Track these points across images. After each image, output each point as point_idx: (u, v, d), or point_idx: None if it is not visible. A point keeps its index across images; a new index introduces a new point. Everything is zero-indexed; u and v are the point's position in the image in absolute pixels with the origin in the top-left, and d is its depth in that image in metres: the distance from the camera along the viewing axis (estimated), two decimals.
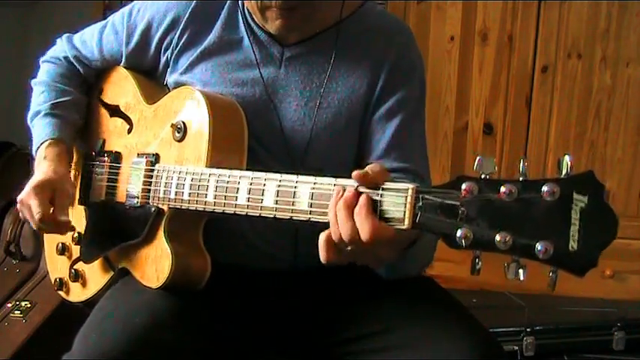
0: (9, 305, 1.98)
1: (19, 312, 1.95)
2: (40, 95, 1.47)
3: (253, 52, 1.34)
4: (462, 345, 1.17)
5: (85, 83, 1.53)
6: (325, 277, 1.26)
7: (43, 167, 1.37)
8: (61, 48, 1.54)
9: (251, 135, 1.28)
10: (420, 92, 1.38)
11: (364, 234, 0.98)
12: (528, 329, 2.23)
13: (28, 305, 1.98)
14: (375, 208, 0.99)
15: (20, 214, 1.37)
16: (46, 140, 1.41)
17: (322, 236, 1.02)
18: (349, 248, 1.01)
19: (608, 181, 2.62)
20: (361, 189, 1.01)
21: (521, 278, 0.93)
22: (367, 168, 1.02)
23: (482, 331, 1.23)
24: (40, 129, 1.43)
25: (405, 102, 1.34)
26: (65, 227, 1.35)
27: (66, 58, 1.52)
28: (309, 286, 1.31)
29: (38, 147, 1.41)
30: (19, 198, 1.35)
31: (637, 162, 2.64)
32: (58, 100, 1.46)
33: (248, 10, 1.35)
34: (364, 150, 1.35)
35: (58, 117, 1.44)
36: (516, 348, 2.22)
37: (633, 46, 2.58)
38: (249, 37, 1.35)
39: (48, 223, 1.32)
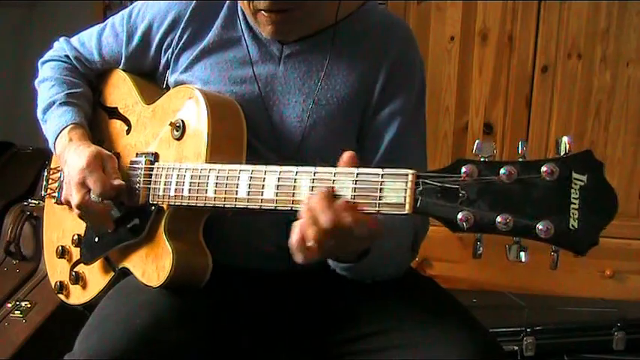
0: (9, 305, 1.98)
1: (19, 312, 1.95)
2: (51, 89, 1.46)
3: (248, 50, 1.35)
4: (461, 345, 1.17)
5: (88, 81, 1.53)
6: (325, 278, 1.26)
7: (75, 148, 1.35)
8: (60, 48, 1.54)
9: (251, 132, 1.28)
10: (419, 94, 1.38)
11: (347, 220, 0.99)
12: (528, 329, 2.23)
13: (28, 305, 1.98)
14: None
15: (68, 195, 1.33)
16: (68, 125, 1.39)
17: (292, 240, 1.03)
18: (332, 242, 1.01)
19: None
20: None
21: (523, 260, 0.93)
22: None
23: (483, 331, 1.23)
24: (58, 117, 1.41)
25: (404, 106, 1.34)
26: (122, 191, 1.31)
27: (67, 57, 1.52)
28: (309, 286, 1.32)
29: (59, 133, 1.39)
30: (69, 179, 1.32)
31: (637, 162, 2.64)
32: (72, 91, 1.45)
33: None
34: (361, 154, 1.35)
35: (75, 105, 1.43)
36: (516, 348, 2.22)
37: (633, 46, 2.58)
38: (247, 35, 1.36)
39: (108, 194, 1.29)
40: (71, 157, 1.34)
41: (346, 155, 1.06)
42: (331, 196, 1.02)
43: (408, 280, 1.34)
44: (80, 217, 1.34)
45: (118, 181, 1.30)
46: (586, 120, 2.63)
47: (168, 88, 1.42)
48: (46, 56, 1.55)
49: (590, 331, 2.28)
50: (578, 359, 2.25)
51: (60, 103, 1.43)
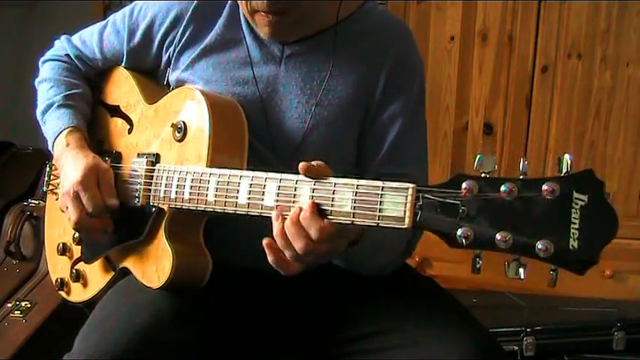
0: (9, 305, 1.98)
1: (19, 312, 1.95)
2: (50, 90, 1.46)
3: (248, 51, 1.34)
4: (461, 345, 1.17)
5: (88, 80, 1.52)
6: (325, 278, 1.26)
7: (73, 155, 1.34)
8: (61, 47, 1.54)
9: (252, 133, 1.28)
10: (419, 95, 1.38)
11: (314, 234, 1.03)
12: (528, 329, 2.23)
13: (28, 305, 1.98)
14: (319, 210, 1.04)
15: (64, 206, 1.32)
16: (66, 128, 1.39)
17: (270, 260, 1.09)
18: (310, 257, 1.06)
19: (608, 181, 2.57)
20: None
21: (522, 277, 0.93)
22: (312, 162, 1.06)
23: (483, 330, 1.23)
24: (56, 120, 1.41)
25: (405, 107, 1.34)
26: (114, 211, 1.31)
27: (67, 56, 1.52)
28: (308, 286, 1.31)
29: (57, 137, 1.39)
30: (65, 191, 1.31)
31: (637, 162, 2.64)
32: (70, 92, 1.45)
33: None
34: (363, 154, 1.35)
35: (73, 107, 1.43)
36: (516, 348, 2.22)
37: (633, 46, 2.58)
38: (249, 36, 1.35)
39: (98, 213, 1.29)
40: (68, 164, 1.34)
41: (300, 167, 1.06)
42: (299, 220, 1.04)
43: (408, 280, 1.34)
44: (76, 229, 1.33)
45: (111, 201, 1.30)
46: (586, 120, 2.63)
47: (168, 86, 1.42)
48: (47, 55, 1.54)
49: (590, 331, 2.28)
50: (578, 359, 2.25)
51: (58, 105, 1.43)
